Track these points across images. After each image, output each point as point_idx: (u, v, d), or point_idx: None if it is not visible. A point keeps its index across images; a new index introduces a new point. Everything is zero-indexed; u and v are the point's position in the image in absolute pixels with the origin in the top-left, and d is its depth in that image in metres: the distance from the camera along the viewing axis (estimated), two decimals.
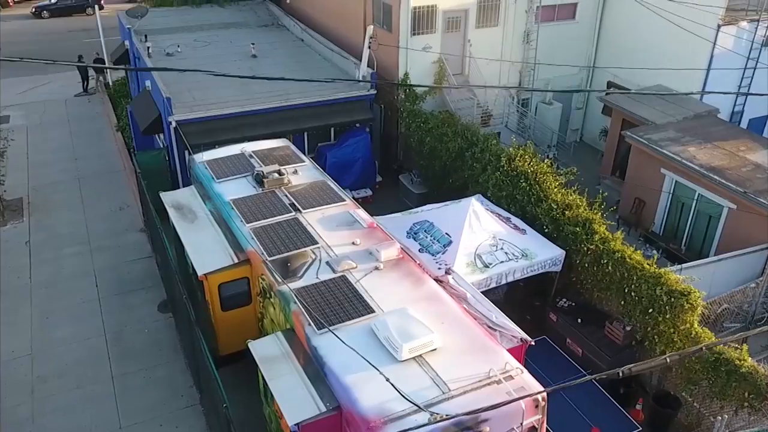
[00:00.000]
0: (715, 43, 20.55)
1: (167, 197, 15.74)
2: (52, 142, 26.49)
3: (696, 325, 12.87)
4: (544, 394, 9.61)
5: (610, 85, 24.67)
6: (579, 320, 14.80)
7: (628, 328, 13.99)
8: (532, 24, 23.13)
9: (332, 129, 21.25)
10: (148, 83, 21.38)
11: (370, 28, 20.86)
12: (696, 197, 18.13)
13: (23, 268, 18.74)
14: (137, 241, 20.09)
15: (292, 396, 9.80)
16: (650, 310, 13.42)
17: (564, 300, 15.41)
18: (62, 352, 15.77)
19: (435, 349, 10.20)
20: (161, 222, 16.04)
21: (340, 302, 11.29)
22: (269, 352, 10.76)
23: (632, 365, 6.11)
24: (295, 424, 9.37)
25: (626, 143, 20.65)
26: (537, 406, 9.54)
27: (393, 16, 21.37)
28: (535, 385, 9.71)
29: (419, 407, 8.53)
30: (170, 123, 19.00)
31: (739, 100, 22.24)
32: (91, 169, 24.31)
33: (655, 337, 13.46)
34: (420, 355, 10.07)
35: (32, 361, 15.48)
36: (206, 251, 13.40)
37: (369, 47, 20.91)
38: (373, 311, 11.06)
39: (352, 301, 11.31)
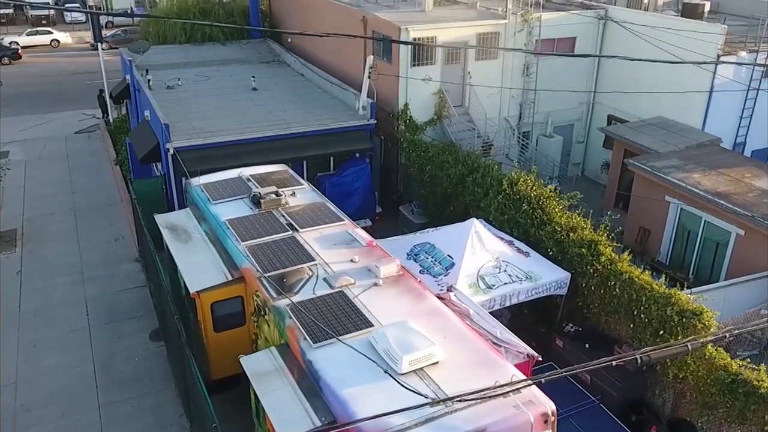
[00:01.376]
0: (715, 73, 20.53)
1: (161, 219, 15.39)
2: (50, 176, 26.31)
3: (710, 346, 12.29)
4: (554, 408, 9.03)
5: (610, 119, 24.61)
6: (586, 345, 14.21)
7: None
8: (531, 57, 23.22)
9: (331, 158, 21.03)
10: (147, 113, 21.31)
11: (370, 58, 20.90)
12: (702, 224, 17.75)
13: (12, 297, 18.24)
14: (131, 270, 19.63)
15: (285, 411, 9.21)
16: (661, 332, 12.88)
17: (570, 325, 14.84)
18: (48, 381, 15.14)
19: (437, 362, 9.65)
20: (156, 250, 15.67)
21: (338, 317, 10.78)
22: (262, 368, 10.20)
23: (651, 350, 5.62)
24: None
25: (629, 175, 20.43)
26: (546, 422, 8.94)
27: (393, 47, 21.46)
28: (544, 399, 9.13)
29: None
30: (168, 150, 18.78)
31: (741, 131, 22.11)
32: (88, 202, 24.04)
33: (667, 360, 12.84)
34: (421, 368, 9.52)
35: (16, 390, 14.84)
36: (199, 269, 12.96)
37: (369, 77, 20.90)
38: (371, 325, 10.56)
39: (350, 316, 10.80)
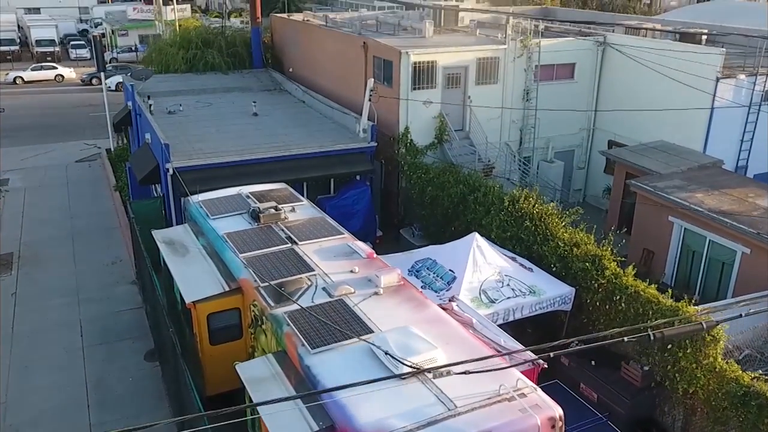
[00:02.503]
0: (714, 95, 20.57)
1: (159, 234, 15.18)
2: (49, 202, 26.22)
3: (720, 359, 11.94)
4: (561, 413, 8.67)
5: (611, 144, 24.59)
6: (592, 362, 13.84)
7: (646, 368, 13.02)
8: (531, 82, 23.33)
9: (332, 180, 20.92)
10: (147, 136, 21.29)
11: (371, 81, 20.99)
12: (707, 244, 17.51)
13: (6, 319, 17.92)
14: (127, 292, 19.35)
15: (281, 416, 8.84)
16: (669, 346, 12.51)
17: (575, 342, 14.44)
18: (39, 401, 14.72)
19: None
20: (154, 270, 15.42)
21: (337, 323, 10.48)
22: (258, 374, 9.86)
23: (665, 329, 5.36)
24: None
25: (631, 198, 20.28)
26: (554, 426, 8.58)
27: (393, 71, 21.57)
28: (551, 403, 8.77)
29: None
30: (168, 170, 18.68)
31: (743, 155, 22.05)
32: (86, 226, 23.87)
33: (676, 375, 12.48)
34: (423, 372, 9.17)
35: (5, 410, 14.43)
36: (195, 280, 12.69)
37: (369, 100, 20.96)
38: (371, 331, 10.25)
39: (349, 322, 10.51)
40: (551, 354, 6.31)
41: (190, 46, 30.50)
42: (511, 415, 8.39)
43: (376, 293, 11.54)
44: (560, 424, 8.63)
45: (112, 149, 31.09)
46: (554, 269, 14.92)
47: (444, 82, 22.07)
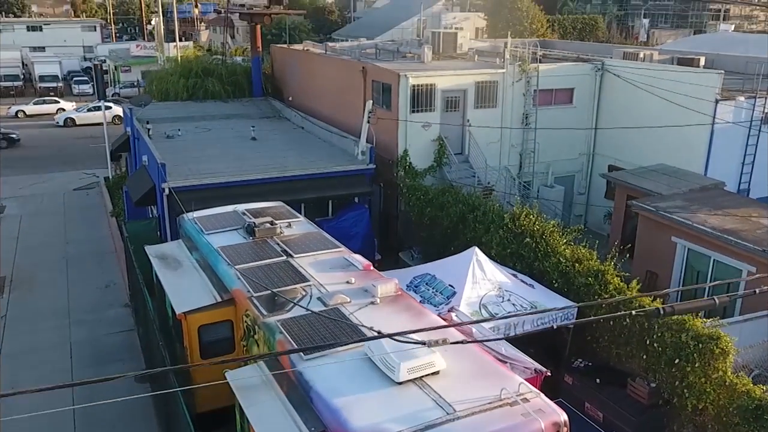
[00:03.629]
0: (714, 117, 20.49)
1: (152, 249, 14.88)
2: (45, 228, 25.96)
3: (729, 373, 11.50)
4: (567, 419, 8.24)
5: (611, 168, 24.44)
6: (597, 381, 13.37)
7: (653, 385, 12.56)
8: (530, 107, 23.31)
9: (330, 202, 20.69)
10: (145, 158, 21.16)
11: (369, 103, 20.97)
12: (711, 263, 17.16)
13: None
14: (120, 315, 18.94)
15: (271, 422, 8.41)
16: (676, 361, 12.09)
17: (579, 360, 14.03)
18: (21, 423, 14.13)
19: (438, 372, 8.91)
20: (148, 291, 15.06)
21: (331, 331, 10.11)
22: (249, 381, 9.42)
23: (675, 304, 5.03)
24: None
25: (633, 222, 20.02)
26: (558, 431, 8.13)
27: (392, 95, 21.55)
28: (556, 408, 8.34)
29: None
30: (163, 190, 18.47)
31: (744, 178, 21.87)
32: (81, 251, 23.56)
33: (685, 390, 12.01)
34: (420, 378, 8.77)
35: None
36: (187, 292, 12.32)
37: (368, 121, 20.88)
38: (367, 339, 9.85)
39: (345, 330, 10.12)
40: (555, 326, 5.86)
41: (190, 74, 30.66)
42: (514, 419, 7.98)
43: (372, 303, 11.18)
44: (565, 429, 8.19)
45: (110, 177, 30.97)
46: (556, 285, 14.57)
47: (443, 105, 22.03)
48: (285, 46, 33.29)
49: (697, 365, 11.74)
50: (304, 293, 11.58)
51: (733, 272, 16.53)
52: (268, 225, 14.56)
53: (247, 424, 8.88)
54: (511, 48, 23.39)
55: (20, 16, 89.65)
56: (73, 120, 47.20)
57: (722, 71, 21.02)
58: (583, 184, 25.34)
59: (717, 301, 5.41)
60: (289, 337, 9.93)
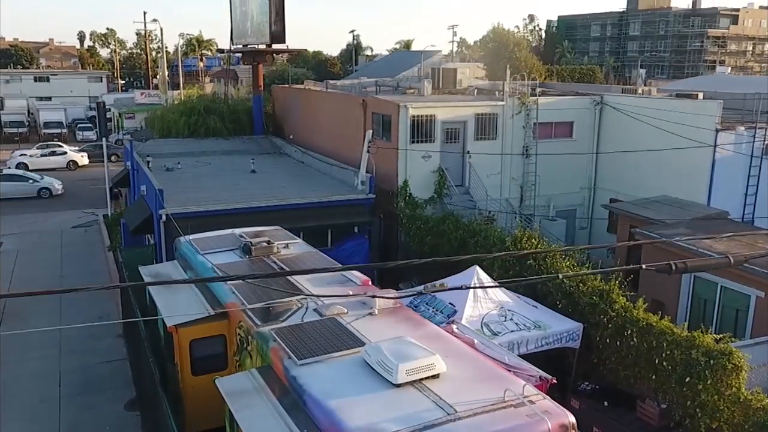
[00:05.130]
0: (715, 146, 20.43)
1: (146, 269, 14.57)
2: (41, 263, 25.63)
3: (743, 389, 11.00)
4: (574, 422, 7.78)
5: (613, 201, 24.25)
6: (605, 403, 12.82)
7: (663, 406, 12.02)
8: (530, 140, 23.31)
9: (329, 231, 20.41)
10: (143, 187, 21.04)
11: (369, 133, 20.97)
12: (719, 290, 16.76)
13: None
14: (112, 345, 18.42)
15: (262, 425, 7.94)
16: (687, 379, 11.60)
17: (586, 383, 13.50)
18: None
19: (438, 375, 8.48)
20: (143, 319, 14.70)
21: (327, 338, 9.71)
22: (239, 387, 8.98)
23: (688, 261, 4.73)
24: None
25: (636, 253, 19.71)
26: None
27: (392, 125, 21.57)
28: (563, 410, 7.89)
29: None
30: (161, 216, 18.25)
31: (748, 208, 21.64)
32: (76, 285, 23.12)
33: (697, 410, 11.47)
34: (419, 380, 8.34)
35: None
36: (179, 306, 11.93)
37: (368, 151, 20.83)
38: (363, 344, 9.44)
39: (340, 337, 9.73)
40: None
41: (192, 112, 30.89)
42: (519, 419, 7.52)
43: (370, 314, 10.80)
44: None
45: (109, 215, 30.82)
46: (560, 306, 14.16)
47: (443, 136, 22.05)
48: (286, 86, 33.66)
49: (709, 382, 11.24)
50: (299, 305, 11.21)
51: (741, 298, 16.13)
52: (265, 244, 14.28)
53: (238, 429, 8.40)
54: (511, 83, 23.58)
55: (28, 68, 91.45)
56: (25, 165, 44.22)
57: (721, 101, 21.06)
58: (585, 217, 25.10)
59: (732, 259, 5.12)
60: (283, 344, 9.51)
